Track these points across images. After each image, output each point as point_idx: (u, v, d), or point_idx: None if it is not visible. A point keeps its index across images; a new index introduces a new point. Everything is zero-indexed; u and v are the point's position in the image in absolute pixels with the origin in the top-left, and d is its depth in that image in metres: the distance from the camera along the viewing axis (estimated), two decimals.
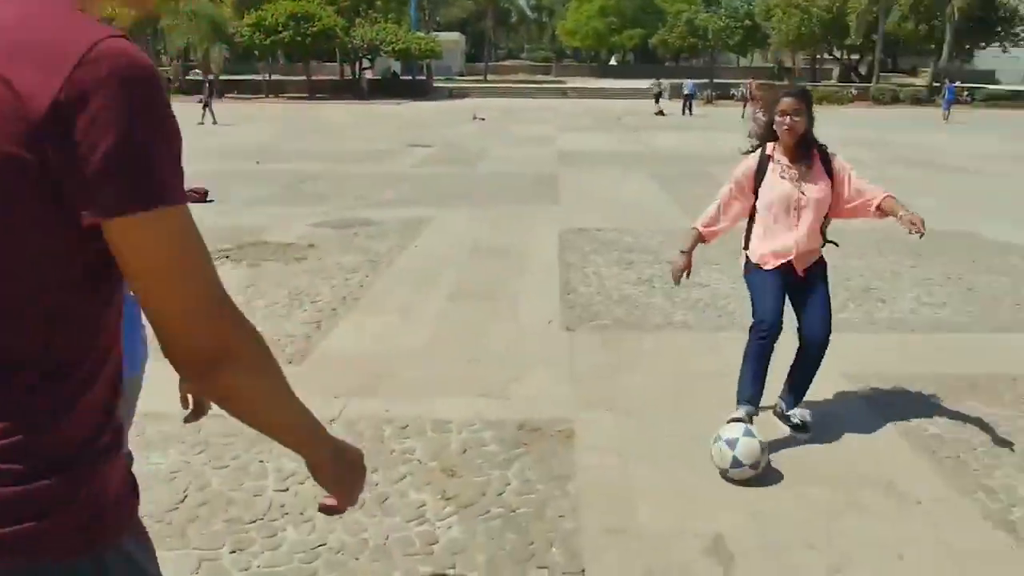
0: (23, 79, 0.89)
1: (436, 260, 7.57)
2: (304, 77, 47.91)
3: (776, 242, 3.85)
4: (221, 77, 46.21)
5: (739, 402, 3.83)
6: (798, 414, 3.99)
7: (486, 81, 57.53)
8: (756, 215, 3.94)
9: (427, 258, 7.67)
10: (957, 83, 37.12)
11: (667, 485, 3.47)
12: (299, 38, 43.40)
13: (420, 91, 46.49)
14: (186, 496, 3.37)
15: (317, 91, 46.09)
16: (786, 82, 37.68)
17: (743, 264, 4.05)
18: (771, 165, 3.86)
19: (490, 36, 72.70)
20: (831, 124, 26.99)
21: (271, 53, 47.61)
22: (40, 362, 0.99)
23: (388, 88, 45.79)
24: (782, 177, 3.83)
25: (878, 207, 3.80)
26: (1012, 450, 3.85)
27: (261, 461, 3.65)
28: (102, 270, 1.00)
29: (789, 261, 3.83)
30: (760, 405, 3.88)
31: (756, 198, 3.91)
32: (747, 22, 53.74)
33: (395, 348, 5.18)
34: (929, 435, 4.02)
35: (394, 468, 3.61)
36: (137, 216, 0.94)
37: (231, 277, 6.85)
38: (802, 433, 3.93)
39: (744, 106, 34.65)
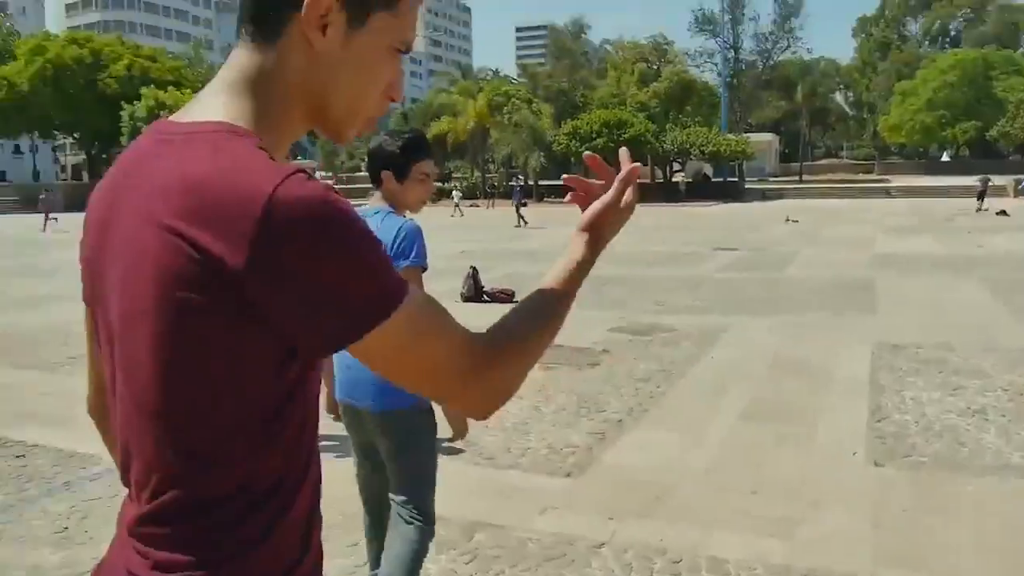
0: (208, 241, 0.89)
1: (731, 373, 7.21)
2: None
3: None
4: (540, 182, 49.39)
5: None
6: None
7: (801, 181, 55.70)
8: None
9: (722, 370, 7.33)
10: None
11: None
12: (612, 144, 45.18)
13: (731, 193, 46.09)
14: None
15: None
16: None
17: None
18: None
19: (806, 135, 70.69)
20: None
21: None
22: (244, 494, 0.98)
23: (699, 190, 45.96)
24: None
25: None
26: None
27: None
28: (299, 387, 1.00)
29: None
30: None
31: None
32: None
33: (678, 468, 4.92)
34: None
35: None
36: (380, 328, 0.94)
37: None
38: None
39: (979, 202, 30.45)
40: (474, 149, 55.25)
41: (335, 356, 1.57)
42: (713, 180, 49.37)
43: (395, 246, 2.82)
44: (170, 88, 52.32)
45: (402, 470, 2.97)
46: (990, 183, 32.43)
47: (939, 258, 16.00)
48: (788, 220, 27.04)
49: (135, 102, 50.88)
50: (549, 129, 49.28)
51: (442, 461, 4.78)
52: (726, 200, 42.92)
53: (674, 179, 50.20)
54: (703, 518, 4.20)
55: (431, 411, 2.95)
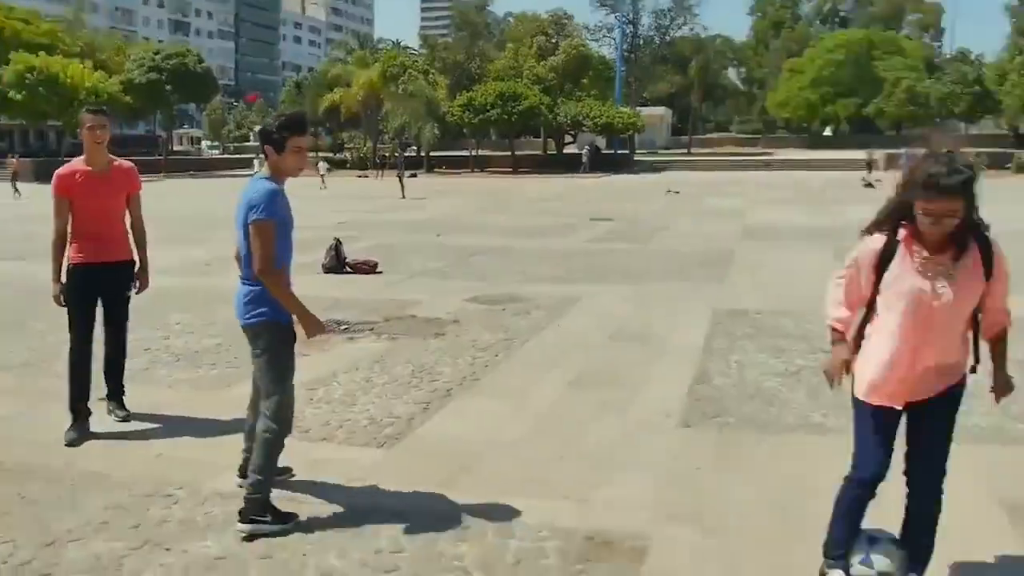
0: None
1: (572, 342, 7.27)
2: (509, 152, 49.62)
3: (886, 364, 2.93)
4: (433, 153, 48.96)
5: (827, 557, 3.16)
6: None
7: (689, 154, 56.95)
8: (873, 314, 3.03)
9: (564, 340, 7.39)
10: None
11: None
12: (506, 116, 45.18)
13: (621, 165, 46.74)
14: None
15: (520, 165, 47.59)
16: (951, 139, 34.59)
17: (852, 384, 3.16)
18: (901, 251, 2.90)
19: (697, 110, 72.19)
20: None
21: (479, 130, 49.83)
22: None
23: (590, 163, 46.38)
24: (916, 270, 2.87)
25: (1002, 332, 2.99)
26: None
27: (304, 555, 3.50)
28: None
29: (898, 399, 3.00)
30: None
31: (877, 292, 2.97)
32: (976, 88, 49.87)
33: (493, 438, 4.92)
34: None
35: None
36: None
37: (364, 352, 6.93)
38: None
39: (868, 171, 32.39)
40: (368, 120, 54.31)
41: None
42: (604, 152, 49.90)
43: (249, 203, 3.69)
44: (41, 53, 49.25)
45: (259, 375, 3.93)
46: (873, 156, 33.92)
47: (802, 229, 16.59)
48: (669, 192, 27.59)
49: (2, 67, 47.83)
50: (444, 100, 48.81)
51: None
52: (616, 172, 43.49)
53: (565, 151, 50.55)
54: (503, 487, 4.20)
55: (282, 326, 3.79)
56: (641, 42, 74.18)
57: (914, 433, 3.07)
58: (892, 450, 3.03)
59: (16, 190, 29.47)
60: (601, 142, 51.41)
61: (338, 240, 11.61)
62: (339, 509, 3.94)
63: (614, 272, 11.19)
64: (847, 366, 3.09)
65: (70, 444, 4.83)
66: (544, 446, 4.77)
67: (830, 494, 4.03)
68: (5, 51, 49.82)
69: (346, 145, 60.61)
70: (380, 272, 11.21)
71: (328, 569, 3.38)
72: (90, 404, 5.06)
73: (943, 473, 3.05)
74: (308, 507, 3.96)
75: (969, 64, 54.31)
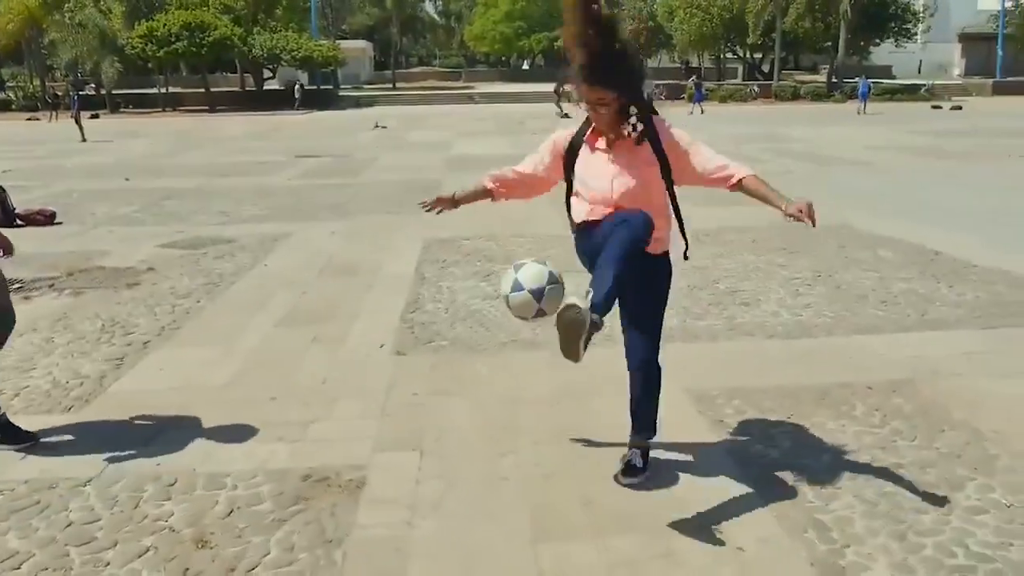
0: None
1: (280, 280, 6.99)
2: (203, 89, 46.31)
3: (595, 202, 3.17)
4: (116, 91, 44.42)
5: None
6: (627, 454, 3.49)
7: (394, 89, 56.69)
8: (573, 194, 3.31)
9: (270, 279, 7.07)
10: (861, 78, 37.96)
11: (452, 544, 3.00)
12: (194, 49, 41.91)
13: (325, 101, 45.43)
14: None
15: (217, 103, 44.60)
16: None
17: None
18: (587, 140, 3.21)
19: (398, 43, 71.85)
20: (735, 123, 27.34)
21: (166, 65, 45.93)
22: None
23: (291, 98, 44.61)
24: (598, 155, 3.17)
25: (739, 183, 3.12)
26: (853, 476, 3.50)
27: None
28: None
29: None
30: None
31: (573, 175, 3.27)
32: (650, 23, 54.26)
33: (199, 386, 4.60)
34: (768, 461, 3.65)
35: (138, 541, 3.05)
36: None
37: (44, 310, 6.17)
38: (629, 477, 3.42)
39: (557, 102, 35.41)
40: (32, 54, 47.96)
41: None
42: (307, 88, 48.19)
43: None
44: None
45: None
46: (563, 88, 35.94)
47: (505, 158, 17.07)
48: (377, 126, 27.36)
49: None
50: (121, 31, 44.21)
51: None
52: (320, 108, 42.25)
53: (265, 87, 48.18)
54: (212, 436, 3.95)
55: None
56: None
57: (624, 305, 3.26)
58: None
59: None
60: (304, 77, 49.59)
61: (1, 189, 10.18)
62: (17, 486, 3.48)
63: (322, 208, 10.89)
64: (444, 203, 3.53)
65: None
66: (254, 389, 4.54)
67: (540, 404, 4.28)
68: None
69: (8, 84, 53.17)
70: (59, 223, 10.00)
71: (7, 552, 2.98)
72: None
73: (654, 339, 3.27)
74: None
75: (643, 1, 58.72)
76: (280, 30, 47.02)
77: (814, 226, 2.94)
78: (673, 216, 3.27)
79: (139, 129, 30.55)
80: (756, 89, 45.17)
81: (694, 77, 45.08)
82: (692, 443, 3.81)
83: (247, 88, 49.61)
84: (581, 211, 3.25)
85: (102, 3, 46.12)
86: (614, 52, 2.98)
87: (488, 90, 51.95)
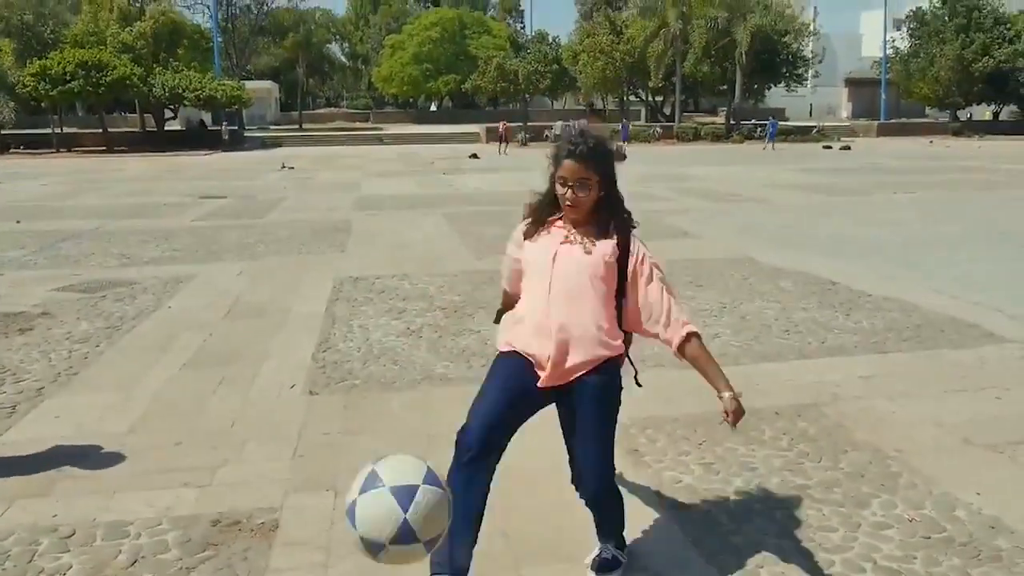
0: None
1: (185, 322, 6.77)
2: (100, 129, 44.88)
3: (525, 319, 2.75)
4: (4, 131, 42.63)
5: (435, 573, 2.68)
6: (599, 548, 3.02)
7: (301, 130, 56.16)
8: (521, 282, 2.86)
9: (176, 321, 6.85)
10: (770, 118, 39.75)
11: None
12: (91, 88, 40.63)
13: (231, 141, 44.61)
14: None
15: (115, 144, 43.26)
16: (586, 121, 38.95)
17: None
18: (546, 227, 2.78)
19: (304, 84, 71.33)
20: (639, 162, 28.03)
21: (61, 104, 44.39)
22: None
23: (195, 139, 43.68)
24: (556, 238, 2.74)
25: (679, 349, 2.71)
26: (765, 498, 3.59)
27: None
28: None
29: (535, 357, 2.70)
30: None
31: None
32: (555, 66, 55.40)
33: (98, 433, 4.39)
34: (682, 487, 3.72)
35: None
36: None
37: None
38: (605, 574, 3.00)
39: (500, 143, 36.37)
40: None
41: None
42: (211, 128, 47.31)
43: None
44: None
45: None
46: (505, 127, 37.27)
47: (415, 198, 17.18)
48: (283, 167, 27.00)
49: None
50: (12, 68, 42.58)
51: None
52: (225, 148, 41.47)
53: (167, 127, 47.05)
54: (112, 483, 3.78)
55: None
56: (238, 12, 71.42)
57: (569, 424, 2.78)
58: (505, 417, 2.72)
59: None
60: (207, 118, 48.66)
61: None
62: None
63: (227, 250, 10.62)
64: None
65: None
66: (158, 434, 4.37)
67: (447, 439, 4.24)
68: None
69: None
70: None
71: None
72: None
73: (607, 464, 2.78)
74: None
75: (547, 45, 59.95)
76: (182, 69, 46.11)
77: (733, 428, 2.68)
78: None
79: (31, 171, 29.32)
80: (659, 130, 46.52)
81: (624, 120, 46.49)
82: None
83: (147, 128, 48.32)
84: (509, 325, 2.83)
85: None
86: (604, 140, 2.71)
87: (397, 131, 52.03)
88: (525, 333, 2.71)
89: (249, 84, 55.32)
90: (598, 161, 2.64)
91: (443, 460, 3.31)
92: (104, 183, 23.35)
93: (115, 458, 4.07)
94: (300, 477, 3.81)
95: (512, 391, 2.70)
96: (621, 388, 2.77)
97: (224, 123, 43.69)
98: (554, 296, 2.65)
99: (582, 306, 2.65)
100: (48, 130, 45.19)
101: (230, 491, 3.66)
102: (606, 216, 2.71)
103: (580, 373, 2.65)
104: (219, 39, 56.71)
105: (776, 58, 49.44)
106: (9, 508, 3.54)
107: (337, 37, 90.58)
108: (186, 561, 3.09)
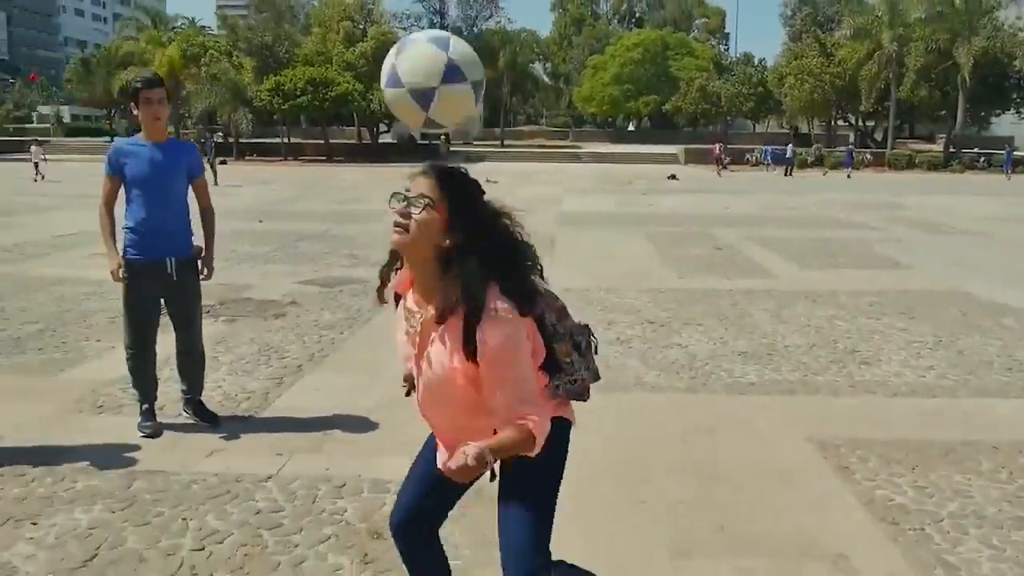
0: None
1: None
2: (322, 141, 48.67)
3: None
4: (241, 140, 47.16)
5: None
6: None
7: (503, 146, 58.20)
8: None
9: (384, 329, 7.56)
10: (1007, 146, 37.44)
11: (599, 555, 3.30)
12: (317, 103, 44.22)
13: (437, 154, 47.02)
14: (97, 554, 3.25)
15: (335, 154, 46.81)
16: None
17: None
18: (402, 301, 2.21)
19: (507, 102, 73.80)
20: (847, 189, 27.00)
21: (290, 117, 48.51)
22: None
23: (405, 151, 46.36)
24: (405, 324, 2.17)
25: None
26: (980, 524, 3.64)
27: (183, 519, 3.53)
28: None
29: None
30: None
31: None
32: (759, 89, 54.22)
33: (349, 407, 5.06)
34: (894, 505, 3.83)
35: (320, 529, 3.47)
36: None
37: (205, 333, 6.79)
38: None
39: (716, 164, 35.87)
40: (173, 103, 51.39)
41: None
42: (420, 143, 50.04)
43: None
44: None
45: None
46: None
47: (615, 216, 17.59)
48: (488, 181, 28.16)
49: None
50: (251, 84, 47.04)
51: (106, 418, 4.56)
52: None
53: (381, 140, 50.22)
54: (369, 448, 4.38)
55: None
56: (449, 32, 75.17)
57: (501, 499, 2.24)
58: (430, 497, 2.42)
59: None
60: (416, 132, 51.38)
61: None
62: (209, 477, 3.97)
63: None
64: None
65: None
66: (402, 412, 4.95)
67: (669, 441, 4.56)
68: None
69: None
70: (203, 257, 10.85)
71: (209, 530, 3.44)
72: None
73: (522, 540, 2.20)
74: (176, 477, 3.96)
75: (752, 67, 58.79)
76: None
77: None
78: None
79: (264, 176, 32.35)
80: (869, 156, 44.48)
81: (849, 144, 45.63)
82: (817, 483, 4.02)
83: (363, 140, 51.81)
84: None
85: (235, 58, 49.23)
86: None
87: (594, 150, 52.78)
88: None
89: None
90: (456, 190, 2.04)
91: (665, 458, 3.63)
92: (326, 190, 25.41)
93: (369, 427, 4.70)
94: None
95: (433, 472, 2.32)
96: (556, 459, 2.22)
97: (441, 138, 46.21)
98: (422, 397, 2.20)
99: (455, 412, 2.14)
100: (277, 140, 49.52)
101: None
102: (454, 279, 1.97)
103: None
104: None
105: (1005, 82, 45.90)
106: (290, 460, 4.21)
107: (541, 57, 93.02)
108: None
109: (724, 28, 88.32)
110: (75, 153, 47.75)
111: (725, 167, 38.42)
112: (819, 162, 43.75)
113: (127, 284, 4.44)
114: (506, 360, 1.96)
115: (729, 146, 45.40)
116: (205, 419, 4.71)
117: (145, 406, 4.63)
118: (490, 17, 75.64)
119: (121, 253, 4.42)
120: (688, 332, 7.02)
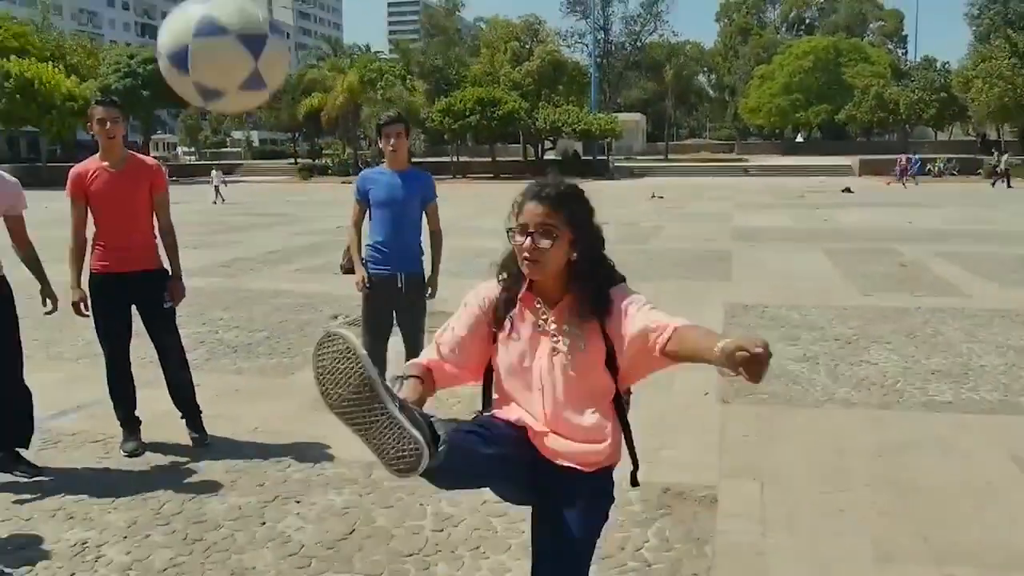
0: None
1: None
2: (489, 159, 50.23)
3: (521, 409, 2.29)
4: (413, 160, 49.35)
5: None
6: None
7: (666, 160, 57.94)
8: (494, 377, 2.36)
9: None
10: None
11: (805, 555, 3.50)
12: (485, 122, 45.77)
13: (600, 170, 47.48)
14: (354, 529, 3.77)
15: (501, 171, 48.19)
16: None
17: None
18: (519, 307, 2.26)
19: (671, 116, 73.37)
20: None
21: (459, 136, 50.39)
22: None
23: (568, 168, 47.02)
24: (531, 328, 2.25)
25: (663, 349, 2.10)
26: None
27: (421, 504, 4.01)
28: None
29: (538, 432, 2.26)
30: None
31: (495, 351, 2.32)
32: (942, 95, 51.28)
33: None
34: None
35: None
36: None
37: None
38: None
39: (901, 176, 33.99)
40: (345, 125, 54.64)
41: None
42: (583, 158, 50.70)
43: None
44: (13, 57, 48.74)
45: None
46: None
47: (790, 231, 17.32)
48: (654, 196, 28.31)
49: None
50: (423, 106, 49.30)
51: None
52: (595, 177, 44.18)
53: (545, 157, 51.23)
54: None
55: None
56: (613, 48, 75.49)
57: (538, 530, 2.31)
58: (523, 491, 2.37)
59: None
60: (579, 147, 52.22)
61: None
62: None
63: (623, 270, 11.68)
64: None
65: (130, 455, 4.66)
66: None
67: (865, 455, 4.66)
68: None
69: (324, 151, 60.85)
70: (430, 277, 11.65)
71: (445, 514, 3.89)
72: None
73: None
74: None
75: (935, 71, 55.70)
76: (562, 104, 50.07)
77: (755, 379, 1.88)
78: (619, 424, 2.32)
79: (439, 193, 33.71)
80: None
81: None
82: (1018, 499, 4.03)
83: (528, 158, 53.03)
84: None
85: (408, 82, 51.73)
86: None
87: (762, 163, 51.60)
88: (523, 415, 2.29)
89: (620, 116, 58.23)
90: (572, 210, 2.18)
91: (863, 471, 3.78)
92: (499, 207, 26.27)
93: None
94: (728, 466, 4.49)
95: (519, 463, 2.25)
96: (611, 499, 2.36)
97: (610, 153, 46.83)
98: (539, 407, 2.25)
99: (574, 404, 2.24)
100: (447, 159, 51.50)
101: (672, 469, 4.43)
102: (583, 281, 2.20)
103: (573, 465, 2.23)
104: (596, 75, 60.50)
105: None
106: None
107: (705, 69, 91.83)
108: (649, 513, 3.90)
109: (902, 31, 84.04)
110: (262, 175, 51.61)
111: (910, 179, 36.61)
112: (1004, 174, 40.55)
113: (365, 294, 5.03)
114: (641, 298, 2.23)
115: (913, 156, 43.15)
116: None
117: None
118: (653, 31, 75.51)
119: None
120: (876, 350, 6.99)
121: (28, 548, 3.64)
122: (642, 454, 4.57)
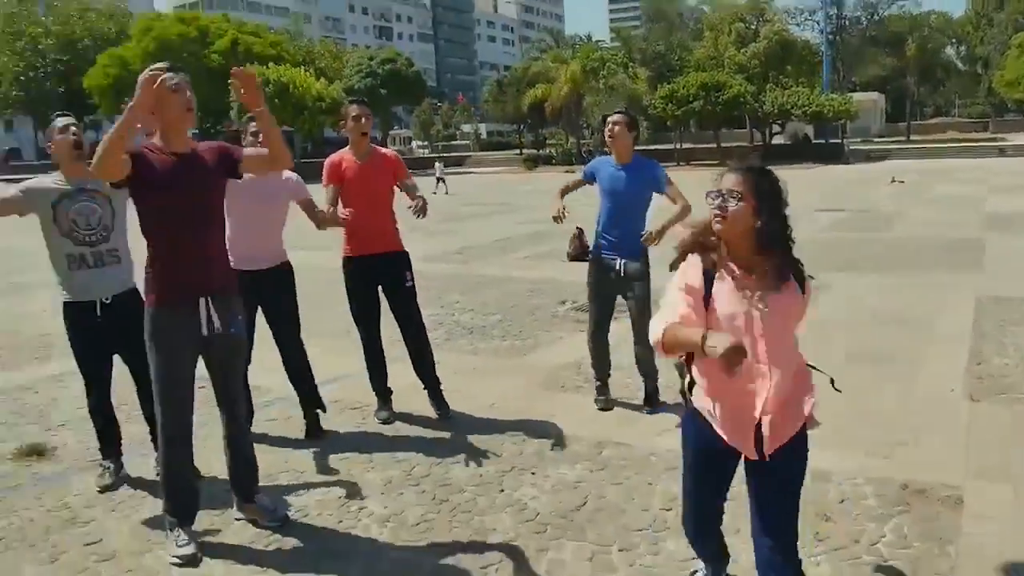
0: None
1: (833, 324, 7.51)
2: (714, 144, 49.05)
3: (730, 405, 2.61)
4: (637, 148, 49.19)
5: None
6: None
7: (908, 141, 53.79)
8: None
9: (826, 323, 7.61)
10: None
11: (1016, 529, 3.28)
12: (709, 107, 44.72)
13: (833, 154, 44.95)
14: (586, 501, 3.97)
15: (727, 157, 46.69)
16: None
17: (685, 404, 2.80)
18: (718, 273, 2.53)
19: (914, 93, 67.99)
20: None
21: (682, 123, 49.59)
22: None
23: (798, 152, 44.99)
24: (733, 289, 2.52)
25: None
26: None
27: (650, 483, 4.14)
28: None
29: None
30: None
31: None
32: None
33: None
34: None
35: None
36: None
37: None
38: None
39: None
40: (568, 115, 55.39)
41: None
42: (814, 142, 48.20)
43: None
44: (271, 64, 53.65)
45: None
46: None
47: None
48: (893, 181, 26.45)
49: None
50: (646, 93, 48.97)
51: (568, 396, 5.38)
52: (827, 162, 41.90)
53: (773, 141, 49.24)
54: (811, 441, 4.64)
55: None
56: (847, 23, 70.90)
57: (759, 480, 2.74)
58: (724, 494, 2.94)
59: None
60: (810, 131, 49.73)
61: (580, 229, 12.32)
62: (662, 452, 4.54)
63: (860, 260, 11.17)
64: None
65: (384, 422, 5.18)
66: (839, 408, 5.15)
67: None
68: (240, 63, 54.59)
69: (548, 141, 62.08)
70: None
71: (671, 495, 3.99)
72: None
73: (790, 541, 2.66)
74: (636, 449, 4.60)
75: None
76: (791, 86, 47.86)
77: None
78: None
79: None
80: None
81: None
82: None
83: (755, 143, 51.22)
84: (704, 397, 2.68)
85: (630, 69, 51.56)
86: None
87: (1021, 142, 46.58)
88: (732, 424, 2.65)
89: (855, 96, 54.78)
90: (758, 182, 2.50)
91: None
92: None
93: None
94: (975, 466, 4.24)
95: (724, 471, 2.87)
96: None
97: (845, 135, 44.22)
98: (765, 365, 2.55)
99: (786, 360, 2.63)
100: (670, 145, 50.91)
101: (912, 466, 4.26)
102: (774, 254, 2.54)
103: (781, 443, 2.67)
104: (828, 53, 57.26)
105: None
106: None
107: (953, 41, 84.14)
108: (886, 509, 3.79)
109: None
110: (489, 166, 53.58)
111: None
112: None
113: (590, 270, 5.35)
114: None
115: None
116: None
117: (598, 383, 5.40)
118: (894, 2, 70.27)
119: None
120: None
121: (304, 496, 4.16)
122: (879, 448, 4.49)
